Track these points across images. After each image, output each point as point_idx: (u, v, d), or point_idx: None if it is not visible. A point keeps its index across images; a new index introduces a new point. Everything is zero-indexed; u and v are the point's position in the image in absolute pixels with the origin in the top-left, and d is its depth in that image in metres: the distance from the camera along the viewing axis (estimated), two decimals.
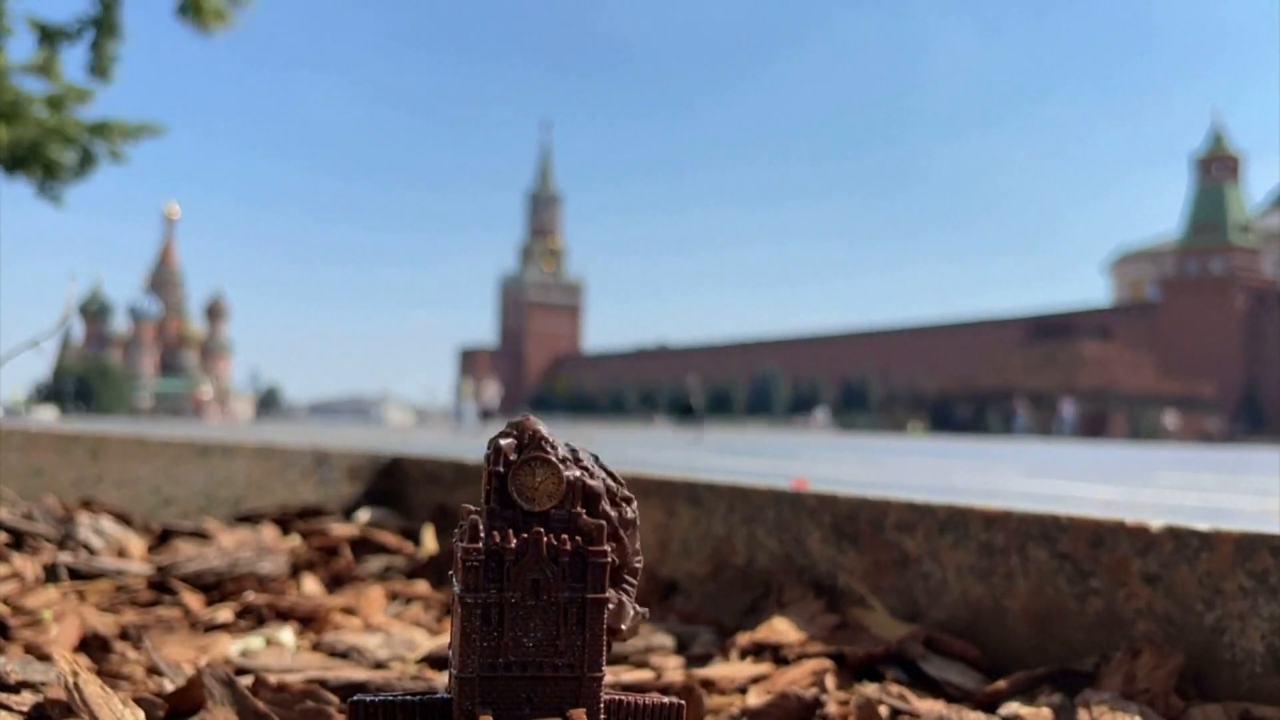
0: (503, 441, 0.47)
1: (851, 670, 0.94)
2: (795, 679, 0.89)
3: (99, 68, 5.02)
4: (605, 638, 0.47)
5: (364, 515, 1.70)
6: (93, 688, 0.66)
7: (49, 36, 5.01)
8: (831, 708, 0.82)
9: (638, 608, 0.48)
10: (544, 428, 0.47)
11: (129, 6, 5.05)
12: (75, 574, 1.19)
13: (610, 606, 0.46)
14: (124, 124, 5.29)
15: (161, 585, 1.17)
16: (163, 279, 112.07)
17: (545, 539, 0.45)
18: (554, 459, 0.46)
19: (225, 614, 1.08)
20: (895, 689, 0.84)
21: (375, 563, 1.39)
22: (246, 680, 0.78)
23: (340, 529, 1.52)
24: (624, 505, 0.48)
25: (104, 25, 4.95)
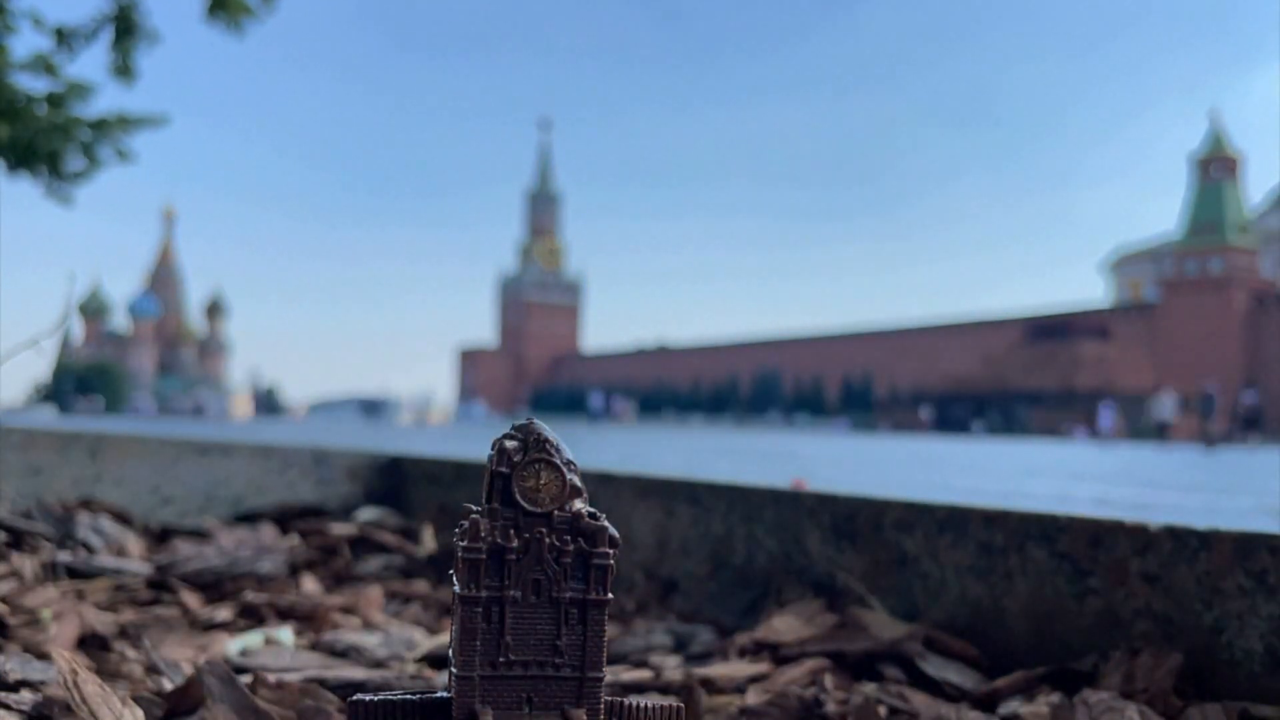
0: (507, 443, 0.47)
1: (850, 669, 0.94)
2: (794, 678, 0.89)
3: (122, 68, 5.01)
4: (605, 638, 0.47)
5: (365, 513, 1.70)
6: (92, 686, 0.66)
7: (63, 37, 5.00)
8: (830, 707, 0.82)
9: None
10: (548, 430, 0.47)
11: (147, 5, 5.04)
12: (74, 573, 1.19)
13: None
14: (124, 116, 5.28)
15: (160, 584, 1.17)
16: (162, 278, 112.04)
17: (548, 539, 0.46)
18: (557, 462, 0.46)
19: (224, 613, 1.08)
20: (894, 688, 0.85)
21: (374, 562, 1.39)
22: (245, 679, 0.78)
23: (339, 528, 1.52)
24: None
25: (122, 24, 4.93)
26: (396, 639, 1.01)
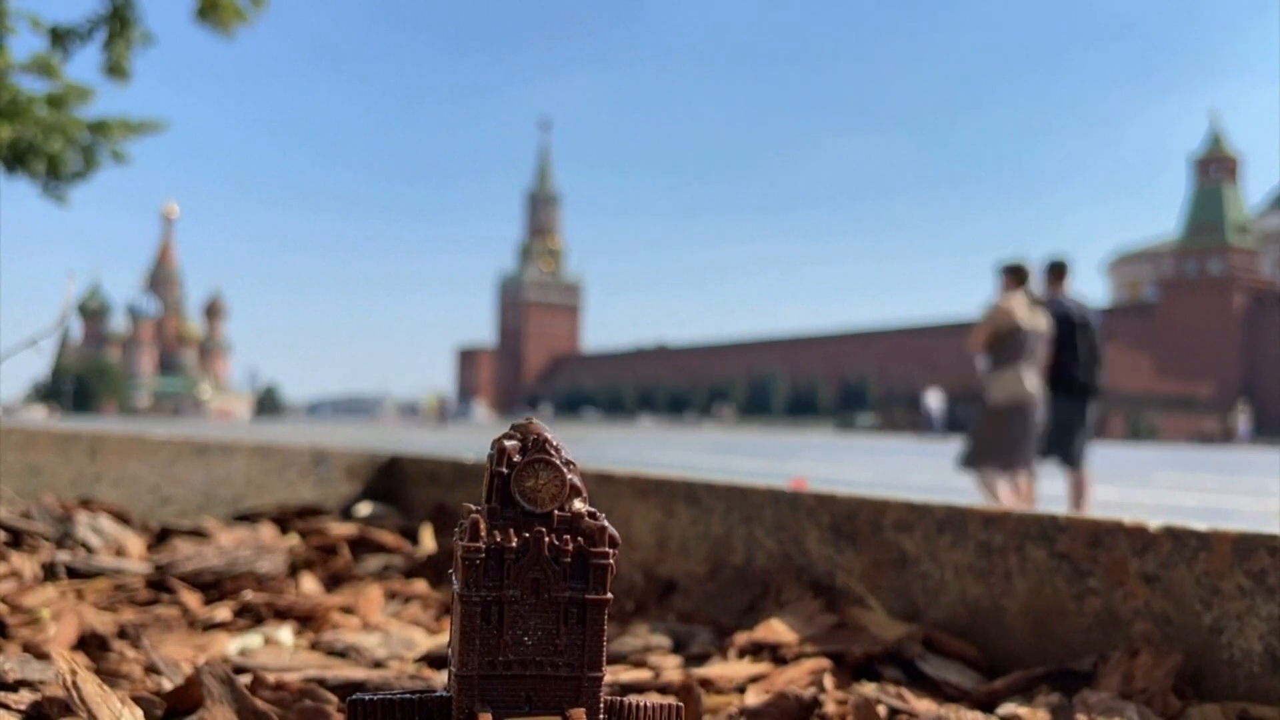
0: (507, 443, 0.47)
1: (850, 670, 0.94)
2: (793, 678, 0.89)
3: (115, 68, 5.00)
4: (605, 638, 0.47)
5: (364, 508, 1.70)
6: (91, 686, 0.66)
7: (59, 38, 4.99)
8: (829, 707, 0.82)
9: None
10: (548, 431, 0.47)
11: (142, 5, 5.03)
12: (73, 572, 1.19)
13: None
14: (125, 121, 5.28)
15: (160, 584, 1.17)
16: (161, 278, 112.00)
17: (547, 538, 0.46)
18: (557, 462, 0.46)
19: (223, 613, 1.08)
20: (893, 689, 0.84)
21: (373, 562, 1.39)
22: (245, 679, 0.78)
23: (339, 528, 1.52)
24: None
25: (116, 24, 4.93)
26: (396, 639, 1.01)
